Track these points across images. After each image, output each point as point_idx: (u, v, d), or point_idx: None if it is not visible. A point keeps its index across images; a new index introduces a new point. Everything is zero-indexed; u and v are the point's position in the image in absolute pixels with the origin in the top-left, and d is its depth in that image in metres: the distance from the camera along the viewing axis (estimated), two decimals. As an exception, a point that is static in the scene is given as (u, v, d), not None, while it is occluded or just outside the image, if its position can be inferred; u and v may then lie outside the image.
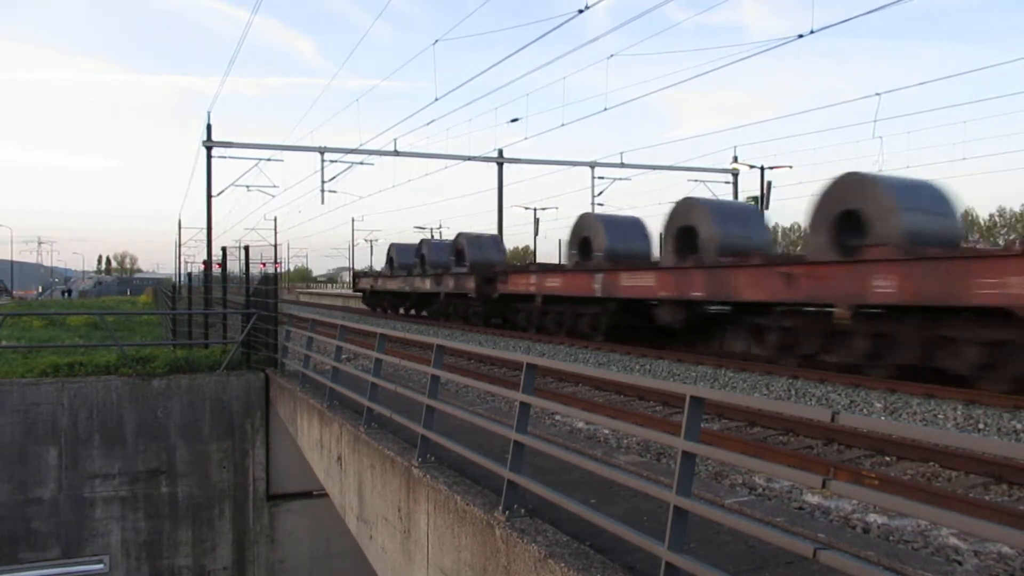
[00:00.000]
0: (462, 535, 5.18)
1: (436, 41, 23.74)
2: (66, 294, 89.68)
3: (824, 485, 2.80)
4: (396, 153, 31.99)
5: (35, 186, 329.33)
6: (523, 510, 4.72)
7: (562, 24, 17.32)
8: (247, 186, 33.16)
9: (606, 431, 8.88)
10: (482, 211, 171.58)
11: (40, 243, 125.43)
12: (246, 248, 14.16)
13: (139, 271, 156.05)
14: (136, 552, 12.22)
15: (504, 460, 4.75)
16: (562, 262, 28.09)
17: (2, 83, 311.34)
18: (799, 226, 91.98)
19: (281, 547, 13.11)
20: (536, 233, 56.60)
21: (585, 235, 22.14)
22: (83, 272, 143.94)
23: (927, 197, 13.98)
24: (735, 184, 37.13)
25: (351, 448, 8.00)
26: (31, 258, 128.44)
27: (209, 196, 30.27)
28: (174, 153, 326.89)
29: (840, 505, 5.81)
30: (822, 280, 13.41)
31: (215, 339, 15.85)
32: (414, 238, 50.61)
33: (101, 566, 11.98)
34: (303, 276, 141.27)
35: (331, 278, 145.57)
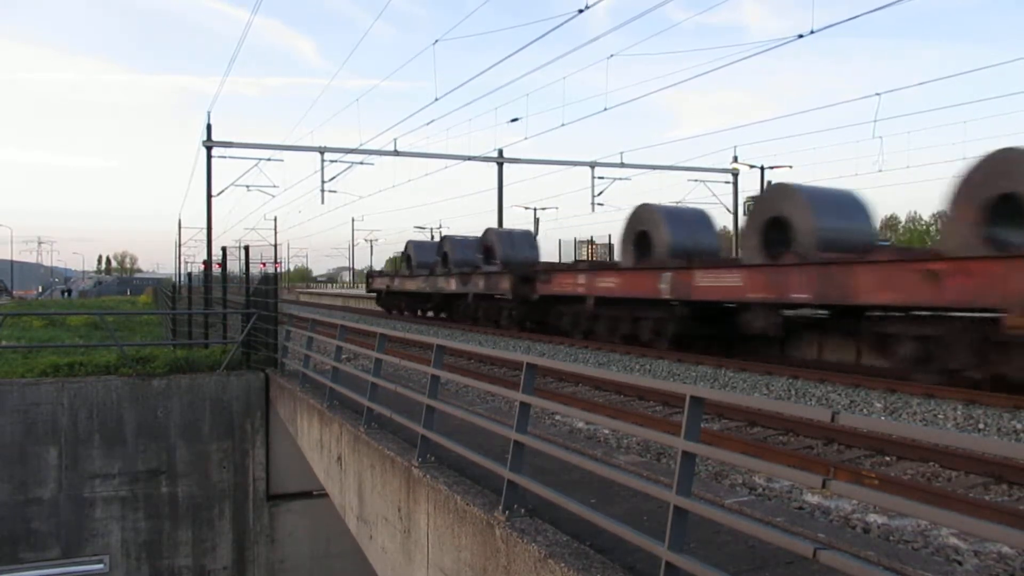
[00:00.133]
0: (462, 535, 5.18)
1: (436, 41, 23.78)
2: (66, 294, 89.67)
3: (824, 485, 2.80)
4: (396, 153, 32.00)
5: (35, 186, 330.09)
6: (523, 510, 4.72)
7: (562, 24, 17.34)
8: (247, 186, 33.17)
9: (606, 431, 8.88)
10: (482, 211, 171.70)
11: (40, 243, 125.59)
12: (246, 248, 14.17)
13: (139, 271, 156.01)
14: (136, 552, 12.22)
15: (504, 460, 4.75)
16: (615, 259, 24.47)
17: (2, 83, 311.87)
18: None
19: (281, 547, 13.11)
20: (536, 233, 56.59)
21: (643, 229, 19.24)
22: (83, 272, 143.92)
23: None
24: (735, 184, 37.15)
25: (351, 448, 8.00)
26: (31, 258, 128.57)
27: (209, 196, 30.28)
28: (174, 153, 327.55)
29: (840, 505, 5.81)
30: (979, 279, 10.91)
31: (215, 339, 15.84)
32: (414, 238, 50.27)
33: (101, 566, 11.98)
34: (303, 276, 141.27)
35: (331, 278, 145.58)
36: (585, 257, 27.33)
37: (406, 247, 37.02)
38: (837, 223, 14.65)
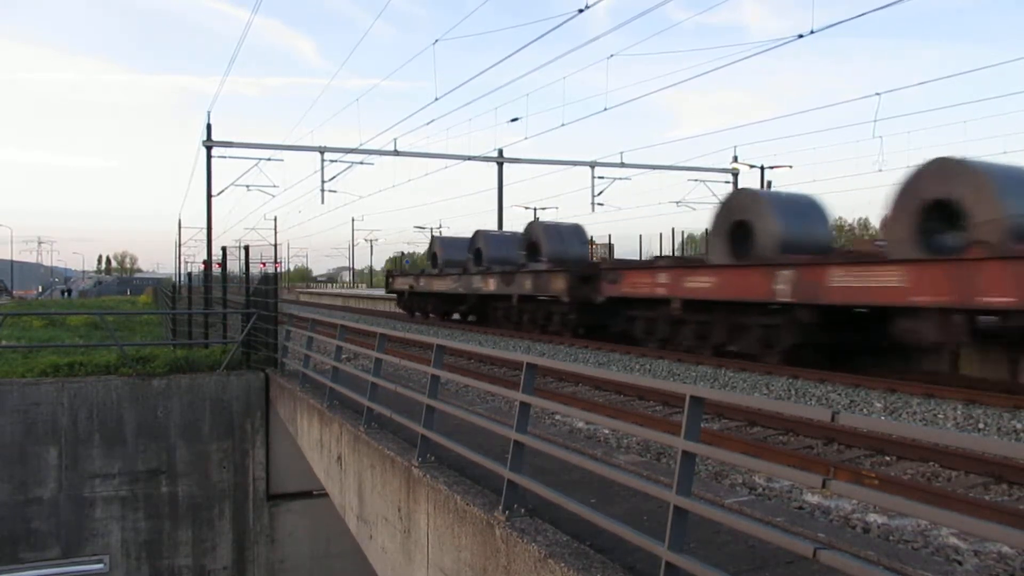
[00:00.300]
0: (462, 535, 5.18)
1: (436, 41, 23.77)
2: (66, 294, 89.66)
3: (824, 485, 2.80)
4: (396, 153, 32.00)
5: (35, 186, 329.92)
6: (523, 510, 4.72)
7: (562, 24, 17.33)
8: (247, 186, 33.15)
9: (606, 431, 8.88)
10: (482, 211, 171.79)
11: (40, 243, 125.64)
12: (246, 248, 14.17)
13: (139, 271, 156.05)
14: (136, 552, 12.22)
15: (504, 460, 4.75)
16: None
17: (2, 83, 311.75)
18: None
19: (281, 547, 13.11)
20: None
21: (741, 218, 16.12)
22: (83, 272, 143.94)
23: None
24: (735, 184, 37.15)
25: (351, 448, 8.00)
26: (31, 258, 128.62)
27: (209, 196, 30.29)
28: (174, 153, 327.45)
29: (840, 505, 5.81)
30: None
31: (215, 339, 15.84)
32: (414, 238, 50.06)
33: (101, 566, 11.98)
34: (303, 276, 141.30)
35: (331, 278, 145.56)
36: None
37: (431, 243, 33.62)
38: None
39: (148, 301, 56.86)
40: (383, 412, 7.33)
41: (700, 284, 16.27)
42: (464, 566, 5.14)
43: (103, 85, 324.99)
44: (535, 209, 53.94)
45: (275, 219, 52.80)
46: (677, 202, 37.55)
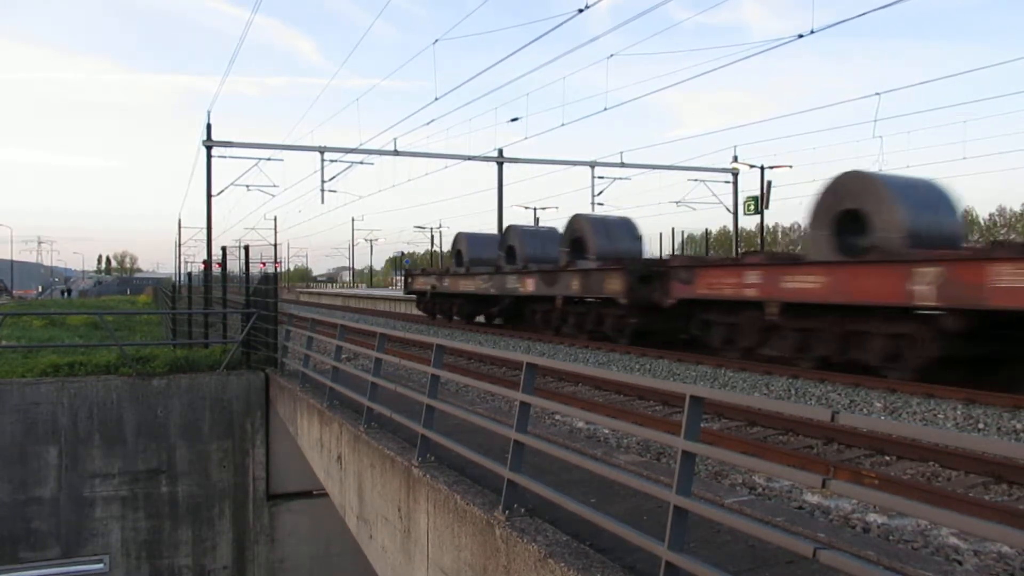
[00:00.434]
0: (462, 534, 5.18)
1: (436, 41, 23.77)
2: (66, 294, 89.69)
3: (824, 485, 2.81)
4: (396, 153, 31.99)
5: (35, 186, 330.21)
6: (523, 509, 4.73)
7: (562, 24, 17.34)
8: (247, 186, 33.14)
9: (606, 431, 8.88)
10: (482, 211, 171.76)
11: (40, 243, 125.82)
12: (246, 248, 14.17)
13: (139, 271, 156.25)
14: (136, 552, 12.23)
15: (504, 460, 4.76)
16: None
17: (2, 83, 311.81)
18: (799, 226, 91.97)
19: (281, 546, 13.12)
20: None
21: (852, 207, 13.46)
22: (83, 272, 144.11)
23: None
24: (735, 184, 37.17)
25: (351, 447, 8.00)
26: (31, 258, 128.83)
27: (209, 196, 30.28)
28: (174, 153, 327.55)
29: (840, 505, 5.81)
30: None
31: (215, 339, 15.84)
32: (414, 237, 49.98)
33: (101, 566, 11.99)
34: (303, 276, 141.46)
35: (331, 278, 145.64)
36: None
37: (456, 240, 30.79)
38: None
39: (148, 301, 56.90)
40: (383, 412, 7.33)
41: (805, 284, 13.65)
42: (464, 566, 5.14)
43: (103, 85, 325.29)
44: (535, 209, 53.91)
45: (275, 219, 52.85)
46: (677, 202, 37.61)
